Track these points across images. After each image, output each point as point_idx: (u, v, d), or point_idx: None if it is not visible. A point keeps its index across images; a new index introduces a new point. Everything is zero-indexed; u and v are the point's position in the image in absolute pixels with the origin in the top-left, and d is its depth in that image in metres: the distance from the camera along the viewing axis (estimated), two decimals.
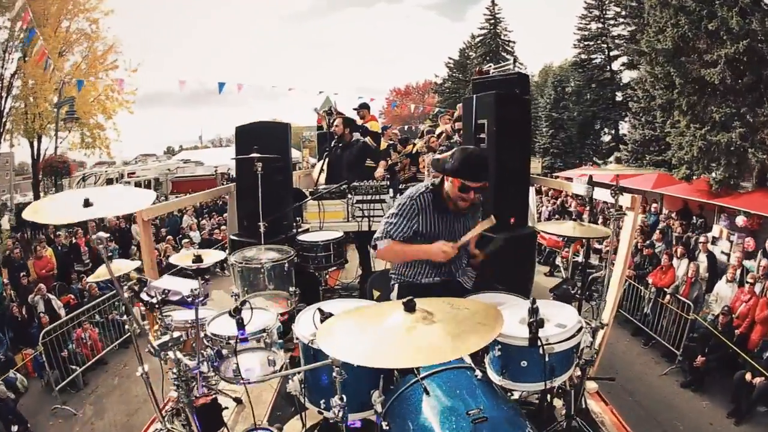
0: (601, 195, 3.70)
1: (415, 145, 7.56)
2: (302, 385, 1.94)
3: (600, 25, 29.19)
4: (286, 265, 3.33)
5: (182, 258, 2.84)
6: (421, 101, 36.22)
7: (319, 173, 5.53)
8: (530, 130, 4.88)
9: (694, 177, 11.90)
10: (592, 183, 3.23)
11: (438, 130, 6.99)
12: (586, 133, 27.98)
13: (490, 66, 5.27)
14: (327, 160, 5.36)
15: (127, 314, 2.06)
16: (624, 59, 28.63)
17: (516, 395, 2.07)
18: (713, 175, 11.36)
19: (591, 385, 3.00)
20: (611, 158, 27.57)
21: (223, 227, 12.43)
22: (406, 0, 76.48)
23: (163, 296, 2.02)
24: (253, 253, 3.53)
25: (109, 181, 24.71)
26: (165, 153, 44.33)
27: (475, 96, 4.37)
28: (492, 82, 4.59)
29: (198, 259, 2.52)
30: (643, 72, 18.98)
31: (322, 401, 1.86)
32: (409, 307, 1.37)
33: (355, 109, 7.09)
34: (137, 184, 22.99)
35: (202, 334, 2.15)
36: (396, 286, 2.57)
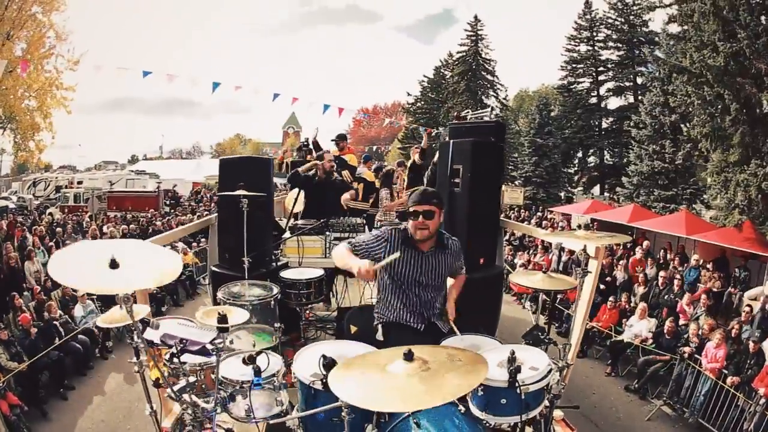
0: (572, 245, 4.45)
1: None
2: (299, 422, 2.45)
3: (589, 48, 31.17)
4: (272, 302, 3.93)
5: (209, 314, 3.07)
6: (390, 121, 37.61)
7: (294, 204, 6.14)
8: (502, 177, 5.74)
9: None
10: (561, 248, 3.99)
11: (409, 162, 7.79)
12: (567, 162, 29.39)
13: (468, 111, 6.09)
14: (303, 191, 5.95)
15: (138, 361, 2.48)
16: (611, 84, 30.74)
17: (492, 423, 2.51)
18: None
19: (557, 413, 3.70)
20: (594, 188, 29.19)
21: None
22: (377, 21, 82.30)
23: (182, 345, 2.45)
24: (239, 289, 4.08)
25: (58, 188, 25.14)
26: (129, 161, 45.72)
27: (452, 141, 5.15)
28: (469, 128, 5.38)
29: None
30: (653, 96, 19.33)
31: None
32: (408, 357, 1.87)
33: (332, 140, 7.85)
34: (76, 197, 22.15)
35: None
36: (380, 325, 3.15)
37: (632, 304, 8.88)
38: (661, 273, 9.48)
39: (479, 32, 34.51)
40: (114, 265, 1.78)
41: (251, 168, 5.02)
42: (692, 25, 11.35)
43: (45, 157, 22.34)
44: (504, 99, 34.93)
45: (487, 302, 5.05)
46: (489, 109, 6.12)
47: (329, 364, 2.18)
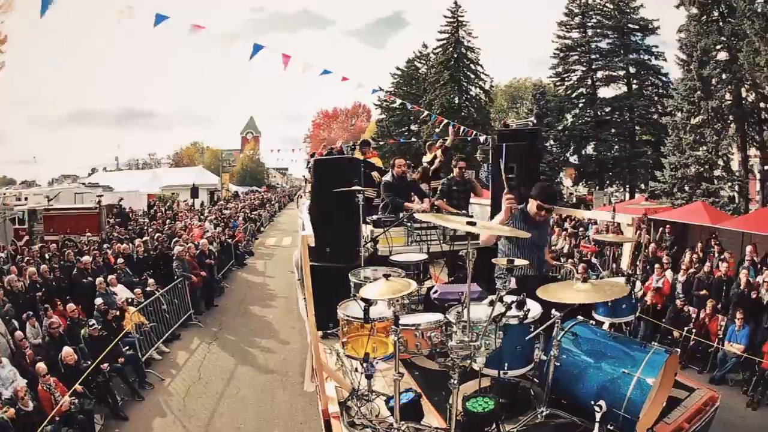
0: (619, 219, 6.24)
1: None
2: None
3: (582, 34, 32.90)
4: None
5: None
6: (348, 124, 39.94)
7: None
8: (539, 170, 7.60)
9: None
10: None
11: (427, 158, 9.77)
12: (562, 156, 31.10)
13: (513, 120, 8.01)
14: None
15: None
16: (600, 74, 32.70)
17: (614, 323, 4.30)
18: None
19: None
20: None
21: (92, 324, 8.73)
22: (328, 26, 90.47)
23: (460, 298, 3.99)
24: (369, 273, 4.96)
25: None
26: (89, 174, 47.41)
27: (504, 144, 6.98)
28: (515, 134, 7.20)
29: None
30: (687, 80, 19.29)
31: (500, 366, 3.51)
32: (584, 280, 3.63)
33: (358, 146, 9.85)
34: (12, 220, 19.72)
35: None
36: (513, 279, 4.52)
37: None
38: None
39: (460, 18, 36.17)
40: None
41: (343, 167, 6.64)
42: None
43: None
44: (488, 89, 37.19)
45: None
46: (532, 118, 8.01)
47: (521, 303, 3.37)
